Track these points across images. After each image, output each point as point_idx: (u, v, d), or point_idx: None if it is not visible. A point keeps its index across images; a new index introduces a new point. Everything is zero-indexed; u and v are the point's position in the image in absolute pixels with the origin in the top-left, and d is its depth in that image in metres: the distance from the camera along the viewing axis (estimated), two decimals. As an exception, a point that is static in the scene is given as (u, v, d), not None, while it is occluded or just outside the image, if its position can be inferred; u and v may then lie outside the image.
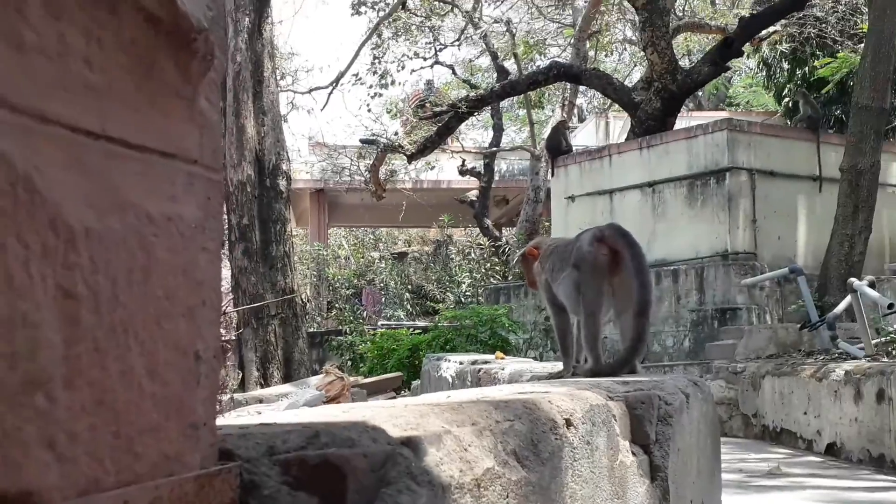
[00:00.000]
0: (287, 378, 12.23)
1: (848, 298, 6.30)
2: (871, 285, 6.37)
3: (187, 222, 0.75)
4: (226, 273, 20.55)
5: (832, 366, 5.86)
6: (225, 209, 13.91)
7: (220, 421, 0.97)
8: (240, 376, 12.37)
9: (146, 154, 0.70)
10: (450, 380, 5.18)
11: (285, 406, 5.12)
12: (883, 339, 6.19)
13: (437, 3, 19.65)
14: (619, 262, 3.52)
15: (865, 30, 16.56)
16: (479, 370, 4.44)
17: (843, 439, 5.67)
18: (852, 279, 6.43)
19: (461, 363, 5.12)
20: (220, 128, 0.85)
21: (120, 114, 0.68)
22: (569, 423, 1.35)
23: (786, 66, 22.18)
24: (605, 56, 23.36)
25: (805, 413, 6.03)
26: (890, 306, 6.05)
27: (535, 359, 9.40)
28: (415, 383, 8.24)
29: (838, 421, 5.68)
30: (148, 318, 0.70)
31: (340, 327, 15.80)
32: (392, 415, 1.05)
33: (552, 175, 13.37)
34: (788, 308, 10.45)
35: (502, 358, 5.00)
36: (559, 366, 4.05)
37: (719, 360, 7.59)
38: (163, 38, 0.73)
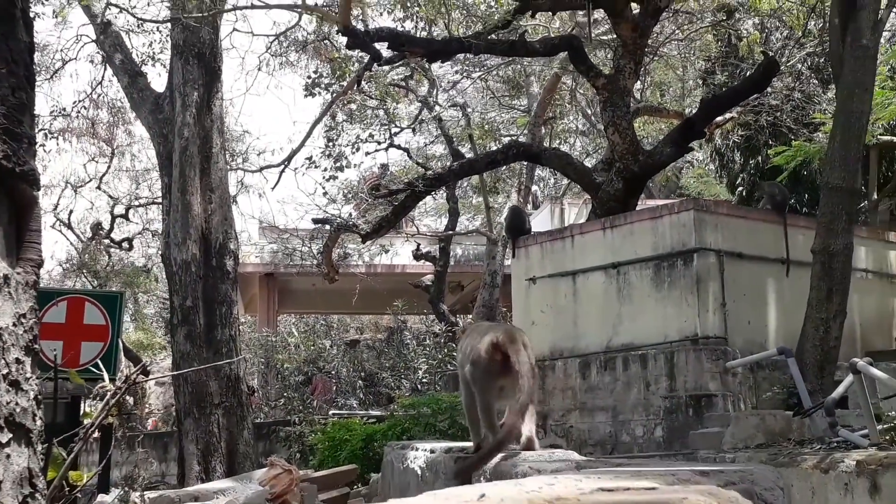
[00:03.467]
0: (230, 472, 11.37)
1: (847, 381, 5.81)
2: (870, 366, 5.88)
3: None
4: (167, 361, 19.59)
5: (838, 455, 5.31)
6: (168, 290, 13.17)
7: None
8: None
9: None
10: (419, 472, 4.51)
11: (222, 505, 4.41)
12: (886, 426, 5.67)
13: (391, 87, 19.45)
14: (510, 364, 4.07)
15: (819, 119, 16.73)
16: (456, 460, 3.79)
17: (857, 538, 5.10)
18: (855, 359, 5.95)
19: (432, 451, 4.45)
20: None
21: None
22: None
23: (738, 156, 22.35)
24: (559, 143, 23.34)
25: (808, 509, 5.47)
26: (902, 388, 5.56)
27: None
28: (374, 476, 7.52)
29: (851, 518, 5.12)
30: None
31: (289, 417, 14.96)
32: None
33: (513, 256, 12.90)
34: (763, 395, 9.95)
35: (481, 446, 4.37)
36: (543, 452, 3.86)
37: (705, 450, 7.02)
38: None
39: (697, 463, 3.06)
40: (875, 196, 17.45)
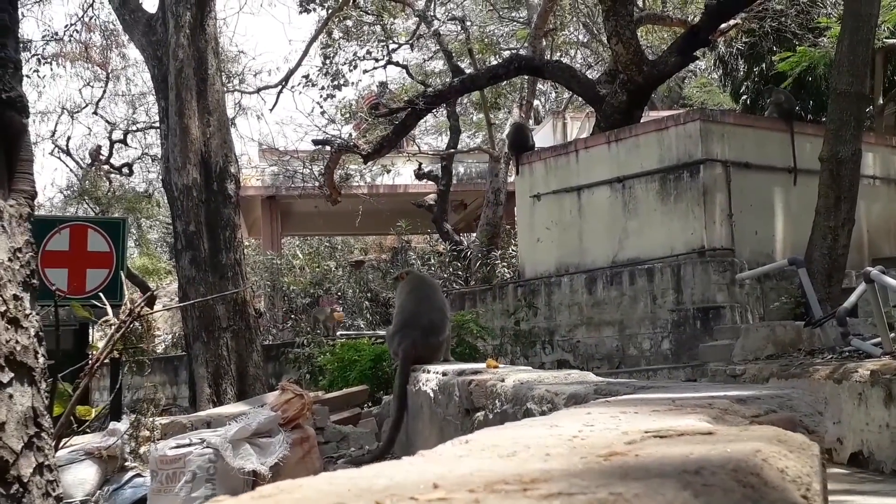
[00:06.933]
0: (242, 394, 11.44)
1: (859, 290, 5.74)
2: (883, 274, 5.81)
3: None
4: (174, 285, 19.60)
5: (852, 365, 5.27)
6: (170, 216, 13.08)
7: None
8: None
9: None
10: (431, 394, 4.49)
11: (234, 431, 4.39)
12: (899, 334, 5.62)
13: (388, 1, 19.00)
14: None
15: (824, 23, 16.34)
16: (470, 382, 3.74)
17: (871, 448, 5.08)
18: (869, 268, 5.87)
19: (444, 374, 4.42)
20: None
21: None
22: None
23: (742, 63, 21.93)
24: (560, 56, 22.91)
25: (820, 418, 5.43)
26: (919, 296, 5.48)
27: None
28: (385, 398, 7.56)
29: (865, 427, 5.09)
30: None
31: (297, 339, 15.03)
32: None
33: (516, 173, 12.77)
34: (771, 306, 9.94)
35: (496, 367, 4.30)
36: (559, 373, 3.72)
37: (714, 362, 7.00)
38: None
39: (719, 385, 2.99)
40: (880, 101, 17.17)
